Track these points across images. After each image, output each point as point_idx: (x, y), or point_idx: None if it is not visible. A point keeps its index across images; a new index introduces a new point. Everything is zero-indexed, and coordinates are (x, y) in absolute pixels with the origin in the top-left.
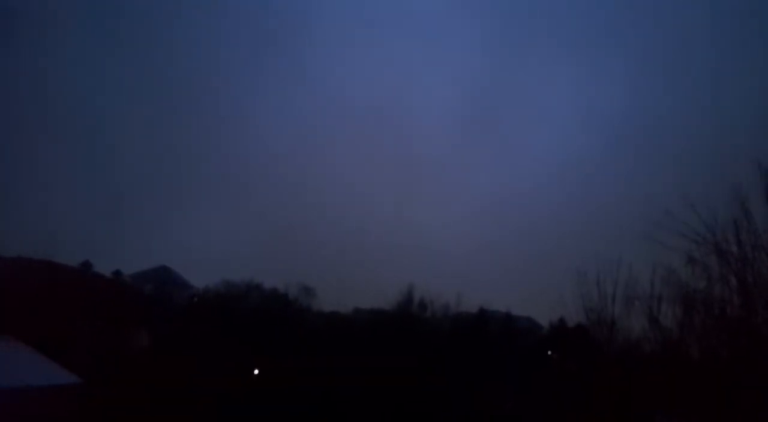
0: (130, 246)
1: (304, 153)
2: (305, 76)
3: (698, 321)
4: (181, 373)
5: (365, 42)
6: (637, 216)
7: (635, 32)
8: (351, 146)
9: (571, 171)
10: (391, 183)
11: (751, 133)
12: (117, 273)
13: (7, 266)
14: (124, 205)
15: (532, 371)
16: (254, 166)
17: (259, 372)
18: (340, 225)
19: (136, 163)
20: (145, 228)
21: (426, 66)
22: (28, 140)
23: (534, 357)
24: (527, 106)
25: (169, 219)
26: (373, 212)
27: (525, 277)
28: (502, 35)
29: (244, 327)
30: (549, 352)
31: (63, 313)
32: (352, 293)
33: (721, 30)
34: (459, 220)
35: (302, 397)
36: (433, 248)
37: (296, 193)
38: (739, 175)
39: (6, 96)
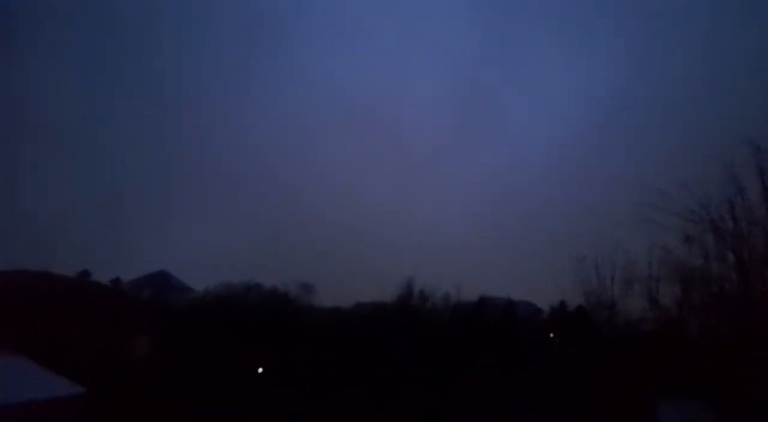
0: (128, 252)
1: (295, 149)
2: (293, 72)
3: (697, 299)
4: (184, 377)
5: (352, 33)
6: (633, 198)
7: (628, 10)
8: (343, 140)
9: (567, 154)
10: (385, 175)
11: (743, 111)
12: (116, 280)
13: (5, 279)
14: (118, 211)
15: (535, 357)
16: (246, 165)
17: (263, 371)
18: (336, 220)
19: (127, 169)
20: (141, 234)
21: (415, 54)
22: (17, 152)
23: (536, 342)
24: (520, 89)
25: (164, 224)
26: (369, 205)
27: (525, 263)
28: (492, 17)
29: (245, 328)
30: (551, 335)
31: (63, 324)
32: (352, 288)
33: (716, 9)
34: (456, 209)
35: (307, 393)
36: (431, 238)
37: (290, 191)
38: (731, 153)
39: None
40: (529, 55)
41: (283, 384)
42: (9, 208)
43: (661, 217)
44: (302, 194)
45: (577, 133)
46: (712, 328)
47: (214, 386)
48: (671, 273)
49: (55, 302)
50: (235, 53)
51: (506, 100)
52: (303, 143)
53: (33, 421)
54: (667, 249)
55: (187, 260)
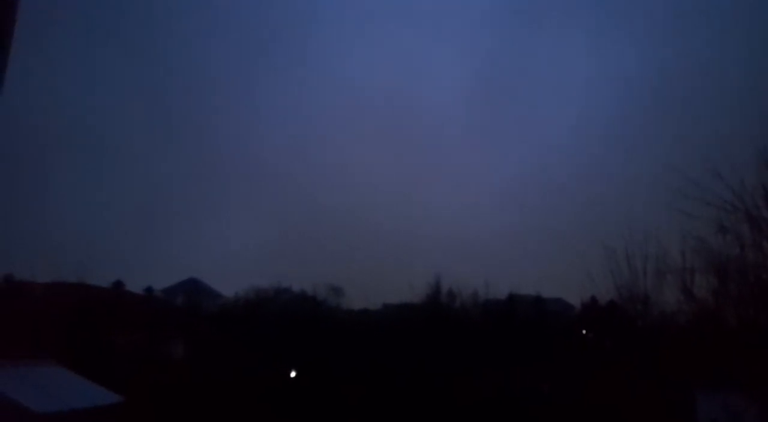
0: (159, 261)
1: (320, 152)
2: (312, 71)
3: (733, 289)
4: (218, 382)
5: (367, 28)
6: (661, 187)
7: None
8: (366, 141)
9: (590, 143)
10: (408, 172)
11: None
12: (149, 289)
13: (43, 291)
14: (148, 221)
15: (566, 352)
16: (271, 170)
17: (296, 375)
18: (362, 222)
19: (151, 178)
20: (171, 242)
21: (432, 46)
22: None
23: (567, 338)
24: (539, 77)
25: (193, 232)
26: (394, 205)
27: (553, 257)
28: (508, 5)
29: (276, 331)
30: (584, 332)
31: (101, 333)
32: (380, 289)
33: None
34: (480, 204)
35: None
36: (457, 235)
37: (316, 194)
38: (765, 139)
39: (20, 120)
40: (554, 39)
41: (315, 386)
42: (44, 223)
43: (693, 207)
44: (328, 197)
45: (606, 121)
46: (750, 318)
47: (247, 389)
48: (706, 264)
49: (93, 312)
50: (249, 49)
51: (525, 87)
52: (327, 146)
53: None
54: (701, 240)
55: (216, 266)
